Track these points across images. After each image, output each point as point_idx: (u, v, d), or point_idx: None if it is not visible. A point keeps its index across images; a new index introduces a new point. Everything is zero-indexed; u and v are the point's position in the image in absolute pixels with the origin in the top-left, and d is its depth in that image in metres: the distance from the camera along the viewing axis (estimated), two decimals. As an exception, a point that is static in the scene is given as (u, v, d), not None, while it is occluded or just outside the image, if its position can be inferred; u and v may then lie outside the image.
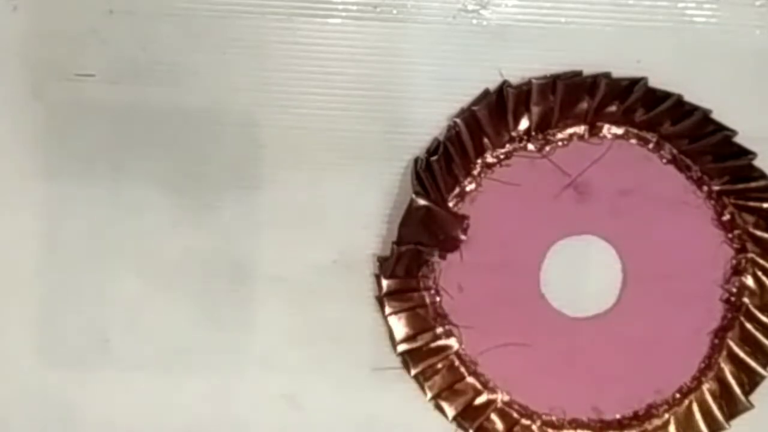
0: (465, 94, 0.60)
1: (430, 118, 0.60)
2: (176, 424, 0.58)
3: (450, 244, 0.60)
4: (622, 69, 0.60)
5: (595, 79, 0.59)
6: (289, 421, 0.62)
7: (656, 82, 0.59)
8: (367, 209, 0.61)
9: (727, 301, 0.60)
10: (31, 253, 0.62)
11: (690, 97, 0.59)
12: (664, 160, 0.60)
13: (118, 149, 0.61)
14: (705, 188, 0.60)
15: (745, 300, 0.60)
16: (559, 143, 0.60)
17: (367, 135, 0.60)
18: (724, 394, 0.60)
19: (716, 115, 0.59)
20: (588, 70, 0.59)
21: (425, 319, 0.60)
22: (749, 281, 0.60)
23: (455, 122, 0.59)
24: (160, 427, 0.56)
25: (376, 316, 0.61)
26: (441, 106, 0.60)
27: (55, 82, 0.61)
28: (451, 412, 0.60)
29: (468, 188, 0.60)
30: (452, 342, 0.60)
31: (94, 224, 0.61)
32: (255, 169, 0.60)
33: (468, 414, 0.60)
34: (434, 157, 0.59)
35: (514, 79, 0.60)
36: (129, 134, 0.61)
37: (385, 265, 0.60)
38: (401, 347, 0.60)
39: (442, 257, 0.60)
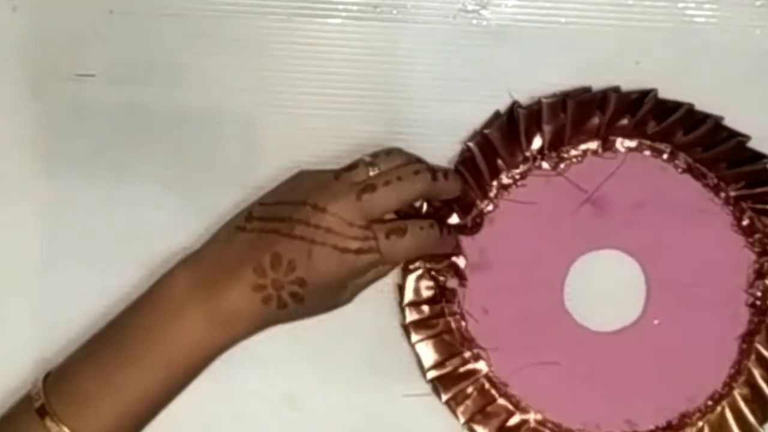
0: (465, 95, 0.60)
1: (430, 118, 0.61)
2: (176, 424, 0.57)
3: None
4: (621, 69, 0.60)
5: (604, 94, 0.59)
6: (288, 421, 0.62)
7: (655, 82, 0.59)
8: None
9: (752, 305, 0.60)
10: (32, 252, 0.62)
11: (689, 98, 0.59)
12: (680, 170, 0.60)
13: (118, 149, 0.61)
14: (722, 195, 0.60)
15: (771, 303, 0.60)
16: (573, 160, 0.60)
17: (366, 135, 0.60)
18: (756, 398, 0.60)
19: (725, 118, 0.59)
20: (587, 70, 0.60)
21: (452, 344, 0.60)
22: (773, 284, 0.60)
23: (468, 146, 0.59)
24: (159, 426, 0.56)
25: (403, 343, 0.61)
26: (441, 106, 0.61)
27: (55, 82, 0.61)
28: (485, 435, 0.60)
29: (485, 210, 0.60)
30: (481, 365, 0.60)
31: (94, 223, 0.62)
32: (254, 168, 0.60)
33: (502, 436, 0.60)
34: None
35: (515, 80, 0.60)
36: (129, 134, 0.61)
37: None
38: (431, 374, 0.60)
39: (462, 285, 0.60)
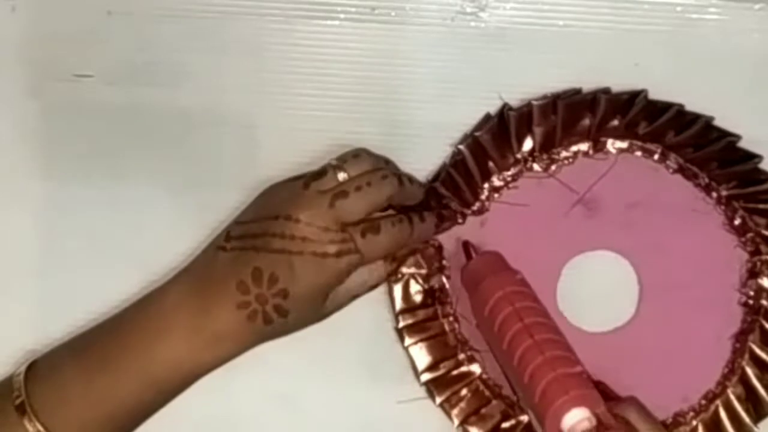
0: (463, 96, 0.61)
1: (428, 120, 0.61)
2: (171, 423, 0.58)
3: None
4: (619, 72, 0.60)
5: (594, 96, 0.59)
6: (283, 421, 0.63)
7: (654, 84, 0.59)
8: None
9: (745, 305, 0.60)
10: (30, 252, 0.62)
11: (688, 100, 0.59)
12: (671, 170, 0.60)
13: (116, 149, 0.62)
14: (714, 194, 0.60)
15: (764, 302, 0.60)
16: (565, 161, 0.60)
17: (364, 136, 0.60)
18: (750, 397, 0.60)
19: (716, 119, 0.59)
20: (585, 72, 0.60)
21: (446, 346, 0.61)
22: (766, 283, 0.60)
23: (459, 149, 0.60)
24: (157, 425, 0.56)
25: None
26: (439, 108, 0.61)
27: (54, 83, 0.61)
28: (479, 436, 0.61)
29: (475, 209, 0.61)
30: (475, 368, 0.61)
31: (93, 224, 0.62)
32: (253, 169, 0.60)
33: (497, 437, 0.61)
34: (435, 183, 0.60)
35: (513, 82, 0.60)
36: (127, 135, 0.61)
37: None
38: (424, 376, 0.60)
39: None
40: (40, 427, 0.53)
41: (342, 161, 0.56)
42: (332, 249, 0.53)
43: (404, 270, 0.60)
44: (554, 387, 0.52)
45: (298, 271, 0.53)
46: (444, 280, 0.61)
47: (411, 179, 0.57)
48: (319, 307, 0.56)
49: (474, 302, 0.58)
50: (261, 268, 0.53)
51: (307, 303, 0.54)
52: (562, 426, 0.51)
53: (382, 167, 0.56)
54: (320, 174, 0.55)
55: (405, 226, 0.56)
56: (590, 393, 0.52)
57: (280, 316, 0.54)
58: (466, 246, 0.60)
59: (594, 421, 0.51)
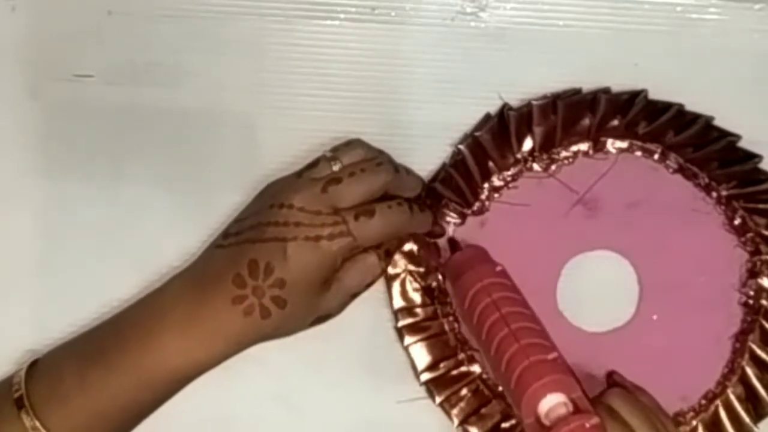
0: (462, 96, 0.61)
1: (428, 120, 0.61)
2: (170, 424, 0.58)
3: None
4: (619, 72, 0.60)
5: (595, 96, 0.59)
6: (282, 422, 0.62)
7: (654, 84, 0.59)
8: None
9: (745, 305, 0.60)
10: (29, 252, 0.62)
11: (688, 100, 0.59)
12: (671, 170, 0.60)
13: (116, 150, 0.62)
14: (714, 194, 0.60)
15: (764, 302, 0.60)
16: (565, 161, 0.60)
17: (364, 137, 0.60)
18: (750, 397, 0.60)
19: (716, 119, 0.59)
20: (585, 72, 0.60)
21: (446, 346, 0.61)
22: (766, 283, 0.60)
23: (459, 149, 0.59)
24: (156, 425, 0.56)
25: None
26: (439, 108, 0.61)
27: (54, 83, 0.61)
28: (479, 436, 0.61)
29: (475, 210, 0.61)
30: (475, 367, 0.61)
31: (93, 224, 0.62)
32: (253, 169, 0.60)
33: (497, 437, 0.61)
34: (435, 183, 0.60)
35: (513, 82, 0.60)
36: (127, 135, 0.61)
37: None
38: (424, 376, 0.60)
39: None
40: (37, 422, 0.53)
41: (335, 151, 0.56)
42: (324, 231, 0.53)
43: (401, 267, 0.60)
44: (529, 373, 0.52)
45: (291, 258, 0.53)
46: (441, 279, 0.61)
47: (408, 170, 0.58)
48: (317, 298, 0.55)
49: (456, 295, 0.58)
50: (257, 260, 0.53)
51: (303, 292, 0.54)
52: (539, 411, 0.51)
53: (377, 156, 0.56)
54: (314, 164, 0.56)
55: (404, 210, 0.56)
56: (565, 378, 0.52)
57: (279, 308, 0.53)
58: (452, 242, 0.60)
59: (570, 406, 0.51)
